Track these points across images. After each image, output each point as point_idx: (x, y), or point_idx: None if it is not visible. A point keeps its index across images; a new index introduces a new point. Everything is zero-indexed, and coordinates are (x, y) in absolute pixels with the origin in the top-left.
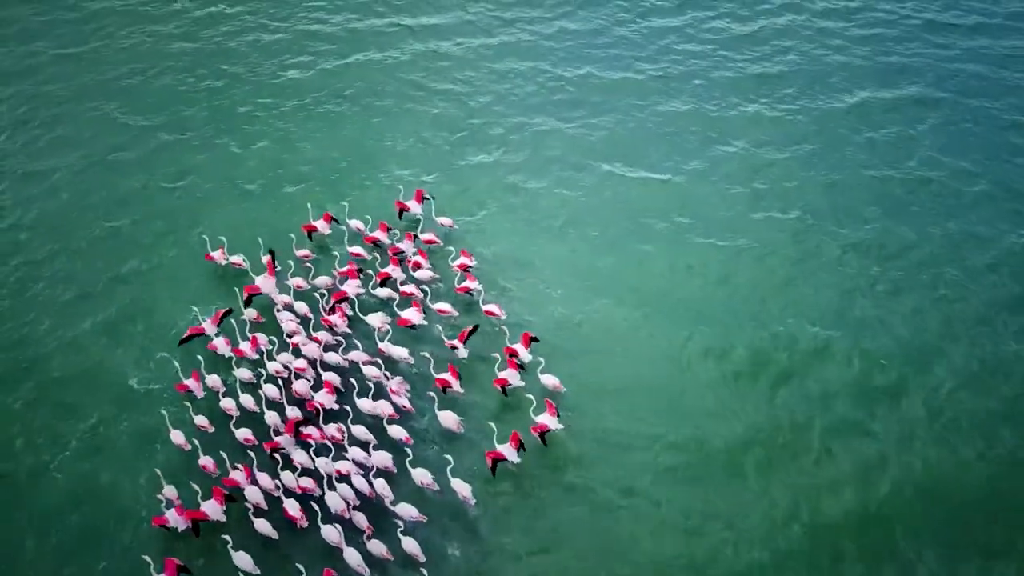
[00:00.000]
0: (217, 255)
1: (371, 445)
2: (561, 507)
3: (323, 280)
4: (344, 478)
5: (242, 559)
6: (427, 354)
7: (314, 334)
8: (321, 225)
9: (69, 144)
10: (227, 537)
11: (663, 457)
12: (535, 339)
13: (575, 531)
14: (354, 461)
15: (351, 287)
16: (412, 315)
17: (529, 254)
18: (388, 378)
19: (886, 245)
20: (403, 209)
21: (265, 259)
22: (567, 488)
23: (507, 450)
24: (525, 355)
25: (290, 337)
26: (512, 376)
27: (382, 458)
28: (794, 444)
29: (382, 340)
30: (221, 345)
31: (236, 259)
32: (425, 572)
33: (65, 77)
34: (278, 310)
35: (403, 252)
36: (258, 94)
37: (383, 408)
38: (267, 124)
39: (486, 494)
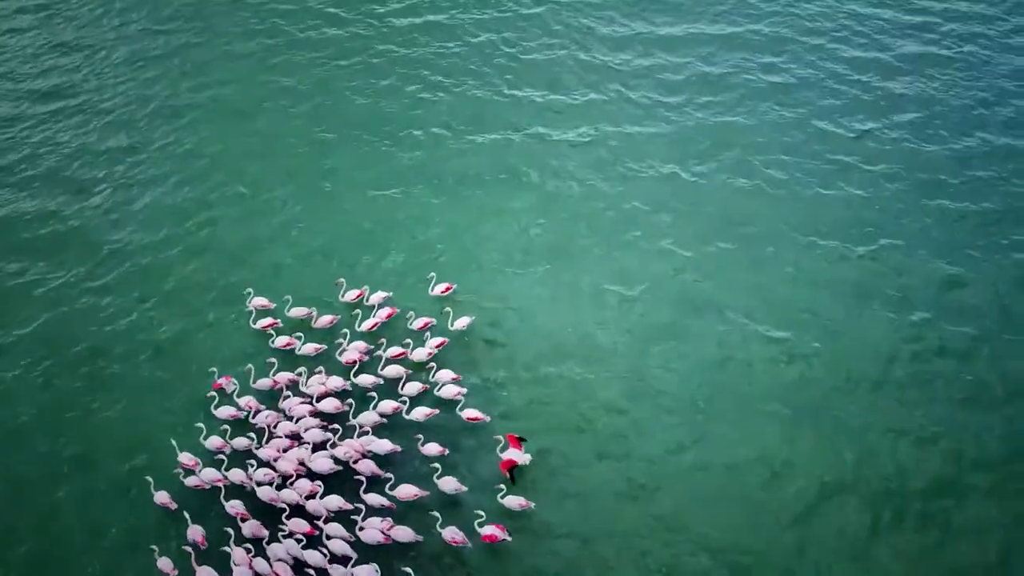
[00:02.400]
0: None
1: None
2: None
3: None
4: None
5: None
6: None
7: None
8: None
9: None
10: None
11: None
12: (523, 439)
13: None
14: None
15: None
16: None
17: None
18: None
19: None
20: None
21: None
22: None
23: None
24: (524, 458)
25: (300, 428)
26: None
27: (367, 571)
28: None
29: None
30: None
31: (264, 322)
32: None
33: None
34: (285, 397)
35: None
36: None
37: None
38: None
39: None
